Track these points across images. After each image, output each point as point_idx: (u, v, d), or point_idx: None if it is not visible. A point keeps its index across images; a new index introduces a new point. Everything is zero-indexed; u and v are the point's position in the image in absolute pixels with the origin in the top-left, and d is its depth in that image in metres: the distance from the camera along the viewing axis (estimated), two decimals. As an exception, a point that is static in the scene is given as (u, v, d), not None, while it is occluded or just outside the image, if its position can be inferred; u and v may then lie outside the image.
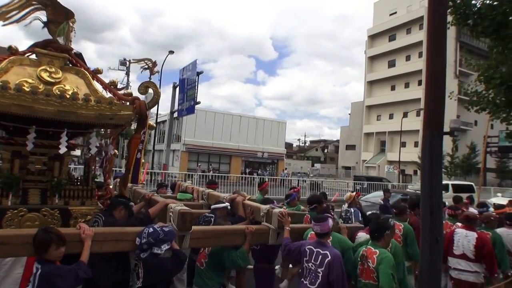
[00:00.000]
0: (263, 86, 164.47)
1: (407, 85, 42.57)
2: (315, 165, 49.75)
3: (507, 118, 5.82)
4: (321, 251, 2.82)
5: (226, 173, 24.42)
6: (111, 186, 3.83)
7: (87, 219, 2.94)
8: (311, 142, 70.38)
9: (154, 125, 3.66)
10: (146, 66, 3.24)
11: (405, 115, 39.68)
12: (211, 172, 22.89)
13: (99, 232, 2.48)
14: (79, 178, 3.40)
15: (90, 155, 3.26)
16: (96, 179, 3.33)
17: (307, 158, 55.97)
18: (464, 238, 3.90)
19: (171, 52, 18.88)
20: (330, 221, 2.93)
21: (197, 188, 4.79)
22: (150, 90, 3.14)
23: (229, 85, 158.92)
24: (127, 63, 18.95)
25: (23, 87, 2.53)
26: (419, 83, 40.33)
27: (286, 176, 22.23)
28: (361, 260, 2.88)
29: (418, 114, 39.79)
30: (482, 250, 3.74)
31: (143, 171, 7.49)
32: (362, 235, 3.52)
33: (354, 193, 5.36)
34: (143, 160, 3.69)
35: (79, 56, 3.06)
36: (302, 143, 62.24)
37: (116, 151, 4.15)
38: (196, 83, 16.33)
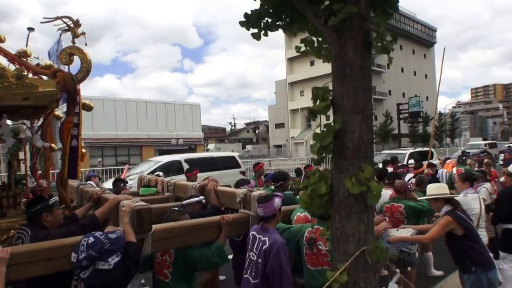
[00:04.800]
0: (192, 74, 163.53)
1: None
2: (247, 146, 52.96)
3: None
4: (262, 238, 2.62)
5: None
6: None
7: (9, 235, 2.64)
8: (247, 124, 74.69)
9: (92, 104, 3.26)
10: (66, 27, 2.84)
11: (325, 88, 45.00)
12: (100, 165, 22.88)
13: (19, 251, 2.07)
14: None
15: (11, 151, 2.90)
16: (23, 182, 2.97)
17: (239, 141, 59.17)
18: None
19: (31, 29, 18.12)
20: (277, 201, 2.69)
21: (161, 180, 4.60)
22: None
23: (156, 75, 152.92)
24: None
25: None
26: (336, 55, 46.05)
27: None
28: (309, 244, 2.72)
29: (337, 87, 45.63)
30: None
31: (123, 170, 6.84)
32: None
33: None
34: (83, 150, 3.25)
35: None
36: (233, 126, 65.44)
37: (53, 144, 3.65)
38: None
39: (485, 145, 26.88)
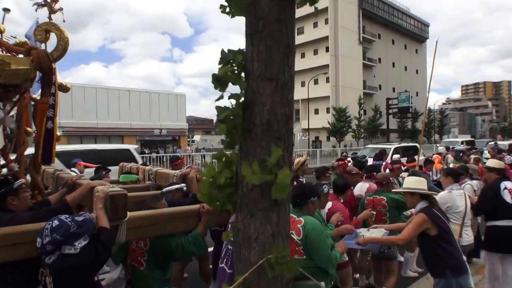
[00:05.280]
0: (181, 63, 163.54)
1: (316, 52, 47.97)
2: (233, 138, 53.57)
3: None
4: None
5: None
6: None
7: None
8: None
9: (69, 85, 3.21)
10: (42, 2, 2.78)
11: (315, 82, 44.94)
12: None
13: None
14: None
15: None
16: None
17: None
18: None
19: (7, 10, 17.22)
20: None
21: (142, 168, 4.60)
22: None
23: (144, 64, 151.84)
24: None
25: None
26: (327, 49, 45.96)
27: (186, 153, 23.44)
28: None
29: (328, 81, 45.63)
30: None
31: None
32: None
33: (303, 158, 5.61)
34: (58, 133, 3.19)
35: None
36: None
37: (28, 128, 3.55)
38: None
39: (462, 142, 24.53)
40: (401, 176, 6.04)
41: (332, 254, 2.58)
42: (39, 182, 3.16)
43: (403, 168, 6.76)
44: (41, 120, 2.82)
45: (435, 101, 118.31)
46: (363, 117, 40.27)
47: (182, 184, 3.50)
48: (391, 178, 4.67)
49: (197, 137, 45.38)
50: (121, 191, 2.43)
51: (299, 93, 47.44)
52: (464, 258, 3.16)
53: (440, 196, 4.06)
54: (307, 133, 35.83)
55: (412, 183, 3.12)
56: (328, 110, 43.48)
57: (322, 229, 2.65)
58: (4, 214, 2.39)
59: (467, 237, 4.00)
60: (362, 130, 39.40)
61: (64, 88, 3.11)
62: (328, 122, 37.59)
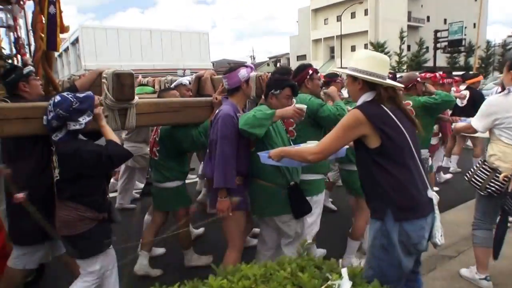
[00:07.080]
0: (215, 5, 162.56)
1: (353, -22, 44.74)
2: (265, 80, 53.55)
3: None
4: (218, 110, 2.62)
5: (142, 98, 25.94)
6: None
7: None
8: (270, 58, 74.34)
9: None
10: None
11: (352, 15, 42.50)
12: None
13: None
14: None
15: None
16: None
17: (258, 75, 59.77)
18: None
19: None
20: (243, 71, 2.57)
21: (158, 79, 4.76)
22: None
23: (178, 8, 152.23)
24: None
25: None
26: (366, -26, 42.62)
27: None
28: None
29: (366, 13, 42.85)
30: None
31: None
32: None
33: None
34: (63, 22, 3.18)
35: None
36: (252, 59, 65.16)
37: (42, 34, 3.54)
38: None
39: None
40: (453, 90, 5.43)
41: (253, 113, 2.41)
42: (53, 77, 3.25)
43: (460, 87, 6.15)
44: (43, 3, 2.90)
45: (500, 34, 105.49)
46: (406, 52, 37.87)
47: (185, 79, 3.86)
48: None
49: (226, 80, 45.99)
50: (127, 71, 2.53)
51: (333, 29, 45.31)
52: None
53: (487, 102, 2.79)
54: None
55: (358, 60, 1.89)
56: (366, 47, 41.42)
57: (265, 109, 2.50)
58: (21, 101, 2.56)
59: None
60: (404, 68, 37.42)
61: None
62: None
